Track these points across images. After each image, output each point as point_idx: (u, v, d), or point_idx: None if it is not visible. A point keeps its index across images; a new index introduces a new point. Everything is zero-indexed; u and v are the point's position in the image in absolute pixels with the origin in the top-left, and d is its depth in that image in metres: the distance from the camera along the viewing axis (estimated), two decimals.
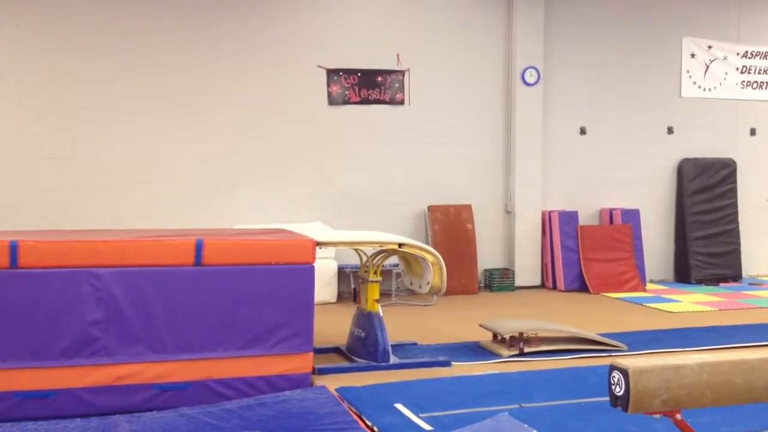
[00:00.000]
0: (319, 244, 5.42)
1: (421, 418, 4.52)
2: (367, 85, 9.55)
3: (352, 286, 8.93)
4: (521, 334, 6.27)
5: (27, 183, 8.58)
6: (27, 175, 8.58)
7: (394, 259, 6.87)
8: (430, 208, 9.76)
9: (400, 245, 5.79)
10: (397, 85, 9.64)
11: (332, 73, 9.44)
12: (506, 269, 10.00)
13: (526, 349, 6.19)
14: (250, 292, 5.07)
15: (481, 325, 6.68)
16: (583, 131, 10.45)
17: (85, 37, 8.71)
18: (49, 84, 8.63)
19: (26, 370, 4.64)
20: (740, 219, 10.89)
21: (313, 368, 5.36)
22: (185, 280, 4.96)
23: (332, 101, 9.46)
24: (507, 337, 6.33)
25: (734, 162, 10.93)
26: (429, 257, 5.80)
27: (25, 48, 8.58)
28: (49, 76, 8.63)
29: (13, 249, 4.64)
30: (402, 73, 9.66)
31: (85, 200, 8.72)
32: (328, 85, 9.44)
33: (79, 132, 8.72)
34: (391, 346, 5.89)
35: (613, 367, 2.64)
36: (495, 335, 6.51)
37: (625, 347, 6.38)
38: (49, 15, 8.62)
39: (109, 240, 4.94)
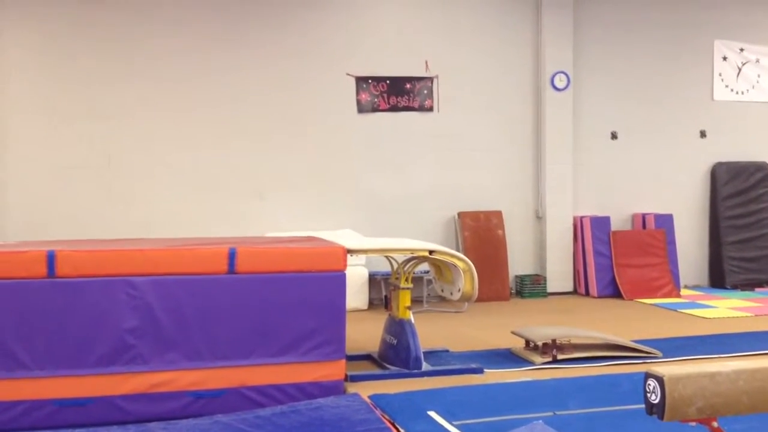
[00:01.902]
0: (350, 251, 5.44)
1: (454, 426, 4.51)
2: (396, 92, 9.58)
3: (383, 293, 8.93)
4: (554, 341, 6.24)
5: (59, 192, 8.73)
6: (58, 184, 8.73)
7: (425, 266, 6.87)
8: (460, 214, 9.75)
9: (430, 252, 5.79)
10: (425, 91, 9.66)
11: (361, 81, 9.48)
12: (537, 275, 9.95)
13: (559, 356, 6.15)
14: (283, 300, 5.10)
15: (513, 332, 6.65)
16: (614, 136, 10.38)
17: (117, 45, 8.84)
18: (81, 93, 8.77)
19: (64, 378, 4.72)
20: None
21: (346, 375, 5.37)
22: (219, 288, 5.01)
23: (361, 109, 9.50)
24: (540, 344, 6.30)
25: None
26: (460, 264, 5.80)
27: (57, 57, 8.73)
28: (80, 86, 8.77)
29: (51, 258, 4.72)
30: (431, 79, 9.68)
31: (117, 209, 8.84)
32: (358, 93, 9.48)
33: (111, 141, 8.85)
34: (423, 353, 5.89)
35: (648, 375, 2.62)
36: (527, 342, 6.48)
37: (659, 354, 6.32)
38: (81, 24, 8.77)
39: (145, 249, 5.01)
